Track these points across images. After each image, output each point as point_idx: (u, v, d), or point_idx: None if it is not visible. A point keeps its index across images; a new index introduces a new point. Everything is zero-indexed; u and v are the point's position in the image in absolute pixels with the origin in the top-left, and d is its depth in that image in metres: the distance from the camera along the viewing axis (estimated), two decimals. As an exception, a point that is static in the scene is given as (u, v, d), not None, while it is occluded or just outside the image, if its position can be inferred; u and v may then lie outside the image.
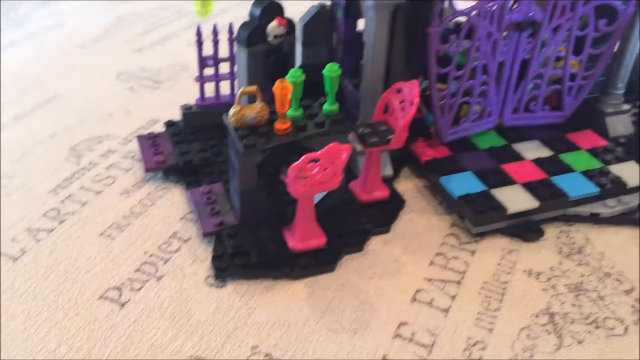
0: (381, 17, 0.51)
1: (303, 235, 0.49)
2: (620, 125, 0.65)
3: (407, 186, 0.59)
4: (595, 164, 0.58)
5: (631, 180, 0.56)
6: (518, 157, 0.59)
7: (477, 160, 0.58)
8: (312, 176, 0.45)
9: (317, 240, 0.49)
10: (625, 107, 0.65)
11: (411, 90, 0.51)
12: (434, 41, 0.53)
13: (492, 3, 0.53)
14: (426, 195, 0.58)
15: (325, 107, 0.51)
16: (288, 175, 0.44)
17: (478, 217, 0.52)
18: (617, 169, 0.57)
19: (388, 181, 0.58)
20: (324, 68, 0.51)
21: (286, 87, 0.47)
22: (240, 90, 0.48)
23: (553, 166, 0.57)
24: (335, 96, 0.50)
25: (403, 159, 0.61)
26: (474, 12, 0.53)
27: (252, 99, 0.55)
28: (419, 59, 0.56)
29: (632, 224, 0.55)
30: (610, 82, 0.64)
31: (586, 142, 0.61)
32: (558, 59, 0.60)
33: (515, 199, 0.53)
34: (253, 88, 0.48)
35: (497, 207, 0.53)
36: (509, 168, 0.57)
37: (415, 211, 0.56)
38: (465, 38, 0.54)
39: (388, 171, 0.58)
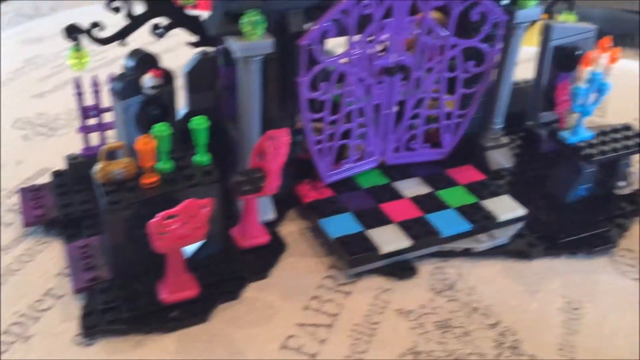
0: (250, 68, 0.53)
1: (174, 286, 0.49)
2: (500, 158, 0.68)
3: (292, 229, 0.60)
4: (470, 199, 0.60)
5: (502, 214, 0.59)
6: (397, 196, 0.61)
7: (357, 201, 0.60)
8: (172, 231, 0.45)
9: (190, 291, 0.50)
10: (504, 140, 0.68)
11: (280, 137, 0.52)
12: (304, 89, 0.54)
13: (359, 51, 0.55)
14: (309, 237, 0.59)
15: (196, 158, 0.52)
16: (148, 231, 0.45)
17: (352, 258, 0.54)
18: (490, 204, 0.60)
19: (271, 225, 0.59)
20: (211, 114, 0.52)
21: (148, 142, 0.47)
22: (102, 148, 0.48)
23: (430, 203, 0.60)
24: (206, 147, 0.51)
25: (290, 201, 0.62)
26: (342, 60, 0.55)
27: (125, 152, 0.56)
28: (296, 104, 0.58)
29: (503, 256, 0.57)
30: (487, 118, 0.67)
31: (464, 178, 0.63)
32: (434, 99, 0.62)
33: (390, 238, 0.55)
34: (117, 144, 0.49)
35: (371, 248, 0.54)
36: (387, 207, 0.59)
37: (296, 254, 0.57)
38: (339, 82, 0.56)
39: (270, 215, 0.59)
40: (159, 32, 0.59)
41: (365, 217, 0.58)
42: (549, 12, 0.70)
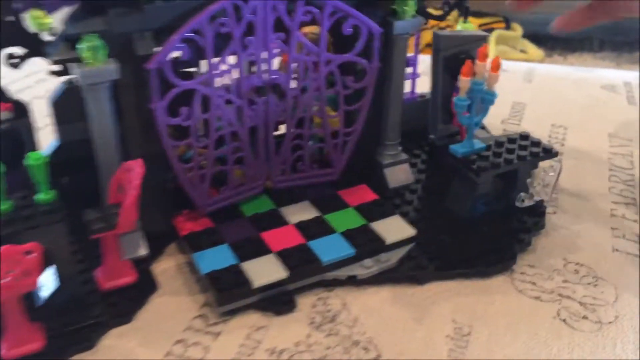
0: (98, 96, 0.49)
1: (15, 340, 0.45)
2: (399, 175, 0.64)
3: (169, 265, 0.56)
4: (358, 221, 0.57)
5: (391, 236, 0.55)
6: (281, 222, 0.57)
7: (237, 230, 0.56)
8: (-6, 281, 0.41)
9: (34, 344, 0.45)
10: (403, 156, 0.65)
11: (134, 169, 0.48)
12: (160, 115, 0.50)
13: (218, 72, 0.51)
14: (185, 273, 0.55)
15: (39, 197, 0.47)
16: (-33, 283, 0.40)
17: (222, 295, 0.49)
18: (379, 226, 0.56)
19: (144, 261, 0.55)
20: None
21: (-26, 183, 0.43)
22: None
23: (314, 229, 0.56)
24: (49, 183, 0.47)
25: (171, 234, 0.58)
26: (200, 82, 0.51)
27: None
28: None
29: (391, 281, 0.54)
30: (383, 134, 0.64)
31: (356, 199, 0.60)
32: (318, 117, 0.59)
33: (265, 270, 0.51)
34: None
35: (243, 282, 0.50)
36: (268, 236, 0.55)
37: (169, 293, 0.53)
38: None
39: (141, 251, 0.55)
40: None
41: (243, 248, 0.53)
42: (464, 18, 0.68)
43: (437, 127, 0.67)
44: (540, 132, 0.81)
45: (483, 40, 0.63)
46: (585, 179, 0.71)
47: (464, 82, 0.54)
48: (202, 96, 0.51)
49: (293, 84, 0.56)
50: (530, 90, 0.70)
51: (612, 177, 0.72)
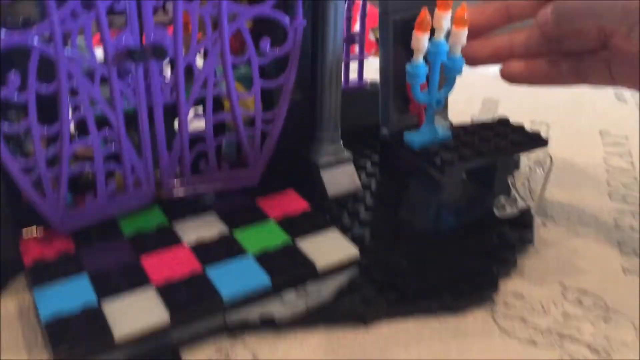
0: None
1: None
2: (341, 179, 0.49)
3: (10, 306, 0.39)
4: (279, 238, 0.41)
5: (324, 259, 0.39)
6: (172, 242, 0.41)
7: (107, 255, 0.39)
8: None
9: None
10: (346, 155, 0.50)
11: None
12: (-25, 85, 0.34)
13: (72, 25, 0.35)
14: (29, 319, 0.38)
15: None
16: None
17: (65, 352, 0.33)
18: (309, 244, 0.41)
19: (-32, 304, 0.38)
20: None
21: None
22: None
23: (217, 250, 0.40)
24: None
25: (19, 262, 0.41)
26: (36, 38, 0.35)
27: None
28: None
29: (325, 322, 0.38)
30: (317, 124, 0.49)
31: (279, 208, 0.44)
32: (223, 98, 0.43)
33: (136, 313, 0.35)
34: None
35: (100, 333, 0.34)
36: (151, 261, 0.39)
37: (3, 347, 0.36)
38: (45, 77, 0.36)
39: (-37, 289, 0.38)
40: None
41: (108, 280, 0.37)
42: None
43: (389, 118, 0.52)
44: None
45: None
46: (578, 182, 0.57)
47: (418, 40, 0.39)
48: (44, 58, 0.36)
49: (186, 50, 0.41)
50: (504, 85, 0.58)
51: (610, 181, 0.58)
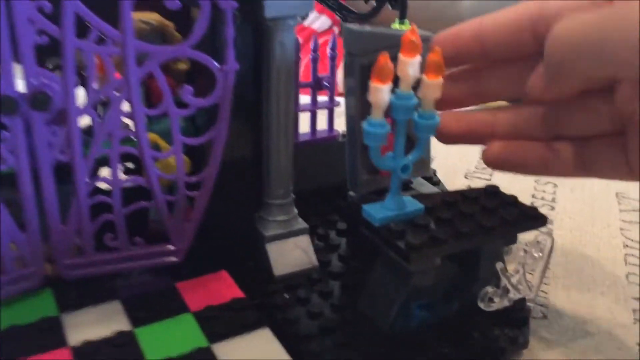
0: None
1: None
2: (292, 254, 0.40)
3: None
4: (194, 341, 0.32)
5: (245, 375, 0.30)
6: (53, 343, 0.31)
7: (-37, 361, 0.31)
8: None
9: None
10: (301, 224, 0.41)
11: None
12: None
13: None
14: None
15: None
16: None
17: None
18: (230, 350, 0.31)
19: None
20: None
21: None
22: None
23: (106, 357, 0.31)
24: None
25: None
26: None
27: None
28: None
29: None
30: (265, 188, 0.40)
31: (203, 297, 0.35)
32: (128, 157, 0.35)
33: None
34: None
35: None
36: (15, 373, 0.30)
37: None
38: None
39: None
40: None
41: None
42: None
43: (357, 179, 0.43)
44: (519, 189, 0.58)
45: (426, 42, 0.40)
46: (587, 261, 0.47)
47: (377, 92, 0.30)
48: None
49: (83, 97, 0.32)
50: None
51: (628, 257, 0.48)
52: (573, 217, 0.53)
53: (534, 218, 0.34)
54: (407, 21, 0.46)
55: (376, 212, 0.33)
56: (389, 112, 0.32)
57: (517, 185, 0.58)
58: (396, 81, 0.31)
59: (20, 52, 0.30)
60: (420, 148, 0.32)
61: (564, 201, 0.56)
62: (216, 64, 0.32)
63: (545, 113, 0.35)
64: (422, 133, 0.32)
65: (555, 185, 0.59)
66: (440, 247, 0.31)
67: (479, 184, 0.58)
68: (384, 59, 0.30)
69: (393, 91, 0.31)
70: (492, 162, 0.37)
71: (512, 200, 0.35)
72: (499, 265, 0.34)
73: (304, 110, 0.48)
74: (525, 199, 0.55)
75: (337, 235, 0.44)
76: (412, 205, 0.34)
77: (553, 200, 0.56)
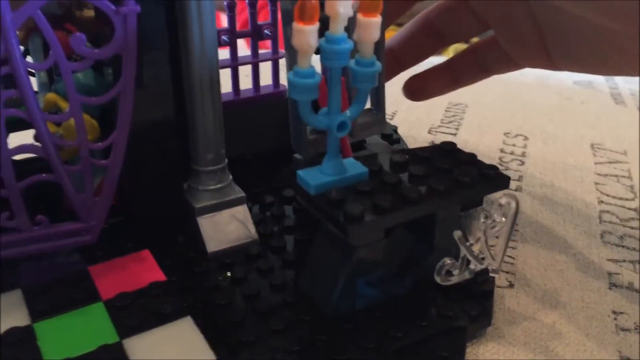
0: None
1: None
2: (228, 228, 0.35)
3: None
4: (102, 336, 0.27)
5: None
6: None
7: None
8: None
9: None
10: (237, 192, 0.36)
11: None
12: None
13: None
14: None
15: None
16: None
17: None
18: (144, 347, 0.27)
19: None
20: None
21: None
22: None
23: (-4, 361, 0.26)
24: None
25: None
26: None
27: None
28: None
29: None
30: (193, 153, 0.35)
31: (118, 282, 0.30)
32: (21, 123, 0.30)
33: None
34: None
35: None
36: None
37: None
38: None
39: None
40: None
41: None
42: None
43: (302, 140, 0.38)
44: (487, 143, 0.53)
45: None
46: (559, 220, 0.43)
47: (302, 35, 0.25)
48: None
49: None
50: (474, 87, 0.45)
51: (603, 214, 0.44)
52: (544, 173, 0.49)
53: (494, 179, 0.30)
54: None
55: (312, 178, 0.28)
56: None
57: (486, 139, 0.54)
58: (326, 22, 0.26)
59: None
60: (360, 101, 0.28)
61: (535, 155, 0.52)
62: (111, 5, 0.27)
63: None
64: (361, 83, 0.27)
65: (526, 138, 0.55)
66: (384, 217, 0.27)
67: (444, 139, 0.54)
68: (300, 3, 0.24)
69: (322, 35, 0.26)
70: (411, 94, 0.41)
71: (470, 159, 0.31)
72: (457, 234, 0.30)
73: (243, 63, 0.43)
74: (493, 153, 0.52)
75: (282, 204, 0.40)
76: (354, 168, 0.29)
77: (523, 154, 0.52)
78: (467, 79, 0.39)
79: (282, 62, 0.45)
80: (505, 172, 0.32)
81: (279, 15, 0.43)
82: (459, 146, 0.33)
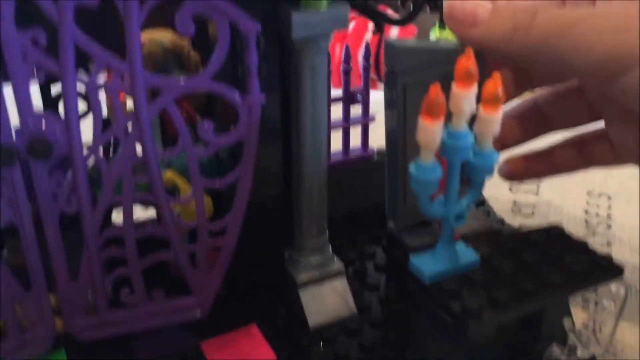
0: None
1: None
2: (330, 301, 0.35)
3: None
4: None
5: None
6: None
7: None
8: None
9: None
10: (337, 265, 0.36)
11: None
12: None
13: None
14: None
15: None
16: None
17: None
18: None
19: None
20: None
21: None
22: None
23: None
24: None
25: None
26: None
27: None
28: None
29: None
30: (295, 228, 0.35)
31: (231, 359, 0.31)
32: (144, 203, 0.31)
33: None
34: None
35: None
36: None
37: None
38: None
39: None
40: None
41: None
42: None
43: (397, 209, 0.38)
44: (571, 204, 0.53)
45: (479, 61, 0.35)
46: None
47: (427, 132, 0.25)
48: None
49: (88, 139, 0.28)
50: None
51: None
52: (633, 237, 0.48)
53: (607, 269, 0.30)
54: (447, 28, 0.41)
55: (426, 266, 0.28)
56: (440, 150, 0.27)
57: (569, 199, 0.53)
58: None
59: (15, 93, 0.26)
60: (477, 191, 0.28)
61: (621, 217, 0.51)
62: (238, 97, 0.28)
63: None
64: (478, 175, 0.27)
65: (609, 198, 0.54)
66: (501, 312, 0.27)
67: (526, 198, 0.53)
68: (434, 91, 0.25)
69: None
70: (508, 176, 0.39)
71: (581, 246, 0.31)
72: (567, 323, 0.30)
73: (335, 127, 0.44)
74: (578, 214, 0.51)
75: (376, 271, 0.40)
76: (466, 255, 0.29)
77: (609, 216, 0.51)
78: (568, 168, 0.38)
79: (372, 126, 0.46)
80: (593, 239, 0.31)
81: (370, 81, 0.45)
82: (542, 207, 0.33)
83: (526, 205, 0.52)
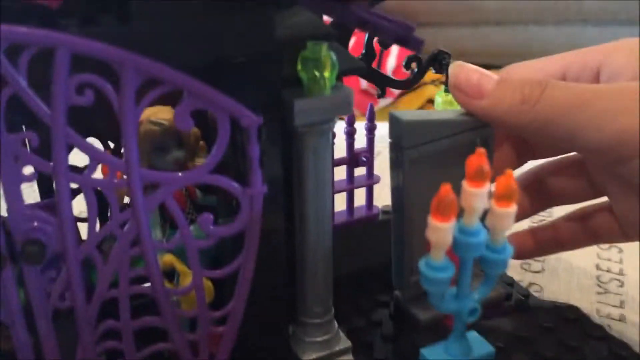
0: None
1: None
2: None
3: None
4: None
5: None
6: None
7: None
8: None
9: None
10: (343, 342, 0.35)
11: None
12: None
13: None
14: None
15: None
16: None
17: None
18: None
19: None
20: None
21: None
22: None
23: None
24: None
25: None
26: None
27: None
28: None
29: None
30: (301, 307, 0.34)
31: None
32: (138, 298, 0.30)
33: None
34: None
35: None
36: None
37: None
38: None
39: None
40: None
41: None
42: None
43: (404, 280, 0.37)
44: (581, 257, 0.51)
45: (487, 131, 0.34)
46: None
47: (438, 232, 0.24)
48: None
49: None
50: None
51: None
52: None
53: (627, 359, 0.28)
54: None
55: (437, 358, 0.27)
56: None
57: (580, 254, 0.51)
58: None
59: (5, 194, 0.25)
60: (489, 285, 0.27)
61: (633, 272, 0.50)
62: (239, 188, 0.27)
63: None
64: (492, 270, 0.26)
65: (620, 251, 0.53)
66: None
67: (537, 265, 0.52)
68: (445, 191, 0.24)
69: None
70: (517, 256, 0.38)
71: (599, 333, 0.29)
72: (585, 415, 0.29)
73: (340, 191, 0.43)
74: (589, 269, 0.50)
75: (383, 342, 0.39)
76: (480, 347, 0.28)
77: (621, 272, 0.50)
78: (574, 244, 0.37)
79: (376, 187, 0.45)
80: (606, 297, 0.30)
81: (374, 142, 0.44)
82: (551, 262, 0.32)
83: (535, 262, 0.51)
